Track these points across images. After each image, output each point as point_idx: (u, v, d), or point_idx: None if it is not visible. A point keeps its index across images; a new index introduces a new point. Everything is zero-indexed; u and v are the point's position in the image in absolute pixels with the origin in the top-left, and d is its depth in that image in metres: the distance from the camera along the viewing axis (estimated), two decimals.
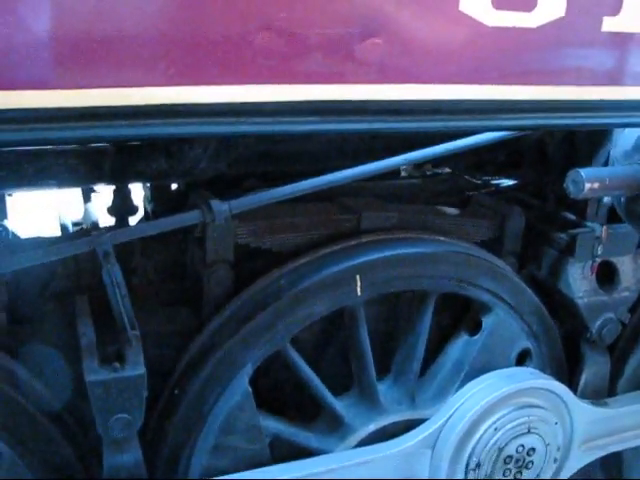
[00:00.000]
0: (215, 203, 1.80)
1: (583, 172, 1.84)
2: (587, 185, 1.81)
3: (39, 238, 2.15)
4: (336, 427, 2.22)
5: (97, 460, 2.00)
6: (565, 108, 1.78)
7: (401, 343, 2.34)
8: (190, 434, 2.03)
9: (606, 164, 2.21)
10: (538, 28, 1.60)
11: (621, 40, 1.76)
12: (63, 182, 1.93)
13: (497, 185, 2.81)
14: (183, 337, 2.14)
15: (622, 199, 2.04)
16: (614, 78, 1.81)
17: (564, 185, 1.90)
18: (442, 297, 2.33)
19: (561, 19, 1.64)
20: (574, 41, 1.71)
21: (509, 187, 2.71)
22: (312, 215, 2.23)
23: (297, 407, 2.31)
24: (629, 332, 2.63)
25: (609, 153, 2.19)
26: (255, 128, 1.47)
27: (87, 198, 3.12)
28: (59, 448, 1.94)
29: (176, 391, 2.06)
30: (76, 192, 3.19)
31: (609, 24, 1.70)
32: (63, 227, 2.85)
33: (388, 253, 2.15)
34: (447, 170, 3.00)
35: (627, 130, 2.07)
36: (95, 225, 2.18)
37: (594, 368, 2.55)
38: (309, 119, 1.48)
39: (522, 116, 1.74)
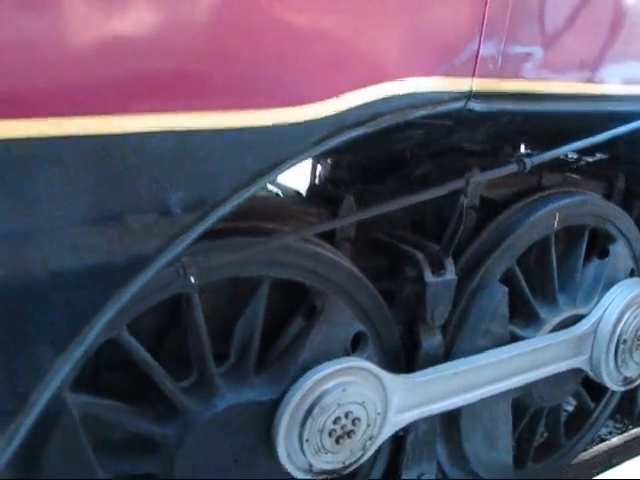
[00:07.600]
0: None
1: None
2: None
3: None
4: (534, 321, 3.21)
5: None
6: None
7: (561, 266, 3.36)
8: (465, 322, 2.95)
9: None
10: None
11: None
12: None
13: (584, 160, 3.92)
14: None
15: None
16: None
17: None
18: None
19: None
20: None
21: (600, 161, 3.83)
22: (511, 175, 3.21)
23: None
24: None
25: None
26: None
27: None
28: (394, 334, 2.78)
29: None
30: None
31: None
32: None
33: (570, 200, 3.20)
34: None
35: None
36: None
37: None
38: None
39: None
